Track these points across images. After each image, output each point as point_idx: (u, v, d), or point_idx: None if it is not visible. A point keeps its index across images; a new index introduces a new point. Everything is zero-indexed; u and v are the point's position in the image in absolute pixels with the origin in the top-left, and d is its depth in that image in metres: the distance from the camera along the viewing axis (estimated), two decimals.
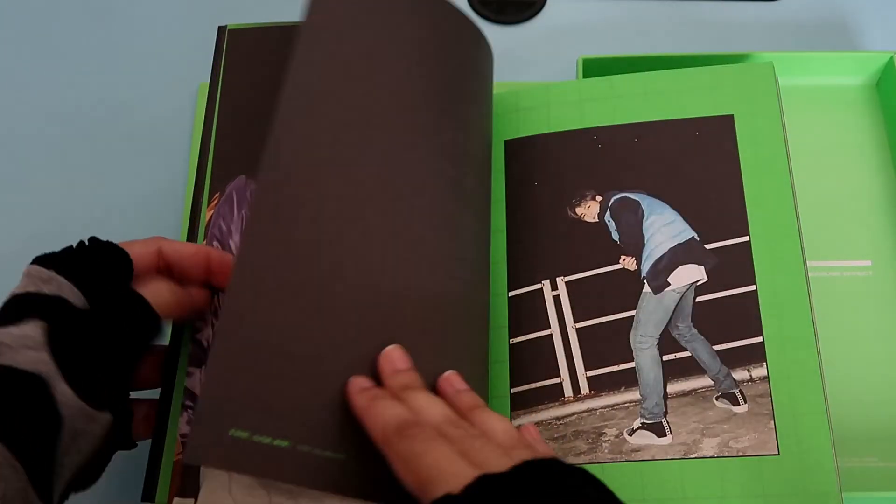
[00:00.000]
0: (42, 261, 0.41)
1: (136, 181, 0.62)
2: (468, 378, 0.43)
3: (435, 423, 0.37)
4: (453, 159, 0.48)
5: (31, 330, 0.39)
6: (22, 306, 0.40)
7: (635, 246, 0.50)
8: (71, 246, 0.43)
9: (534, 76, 0.65)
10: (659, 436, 0.46)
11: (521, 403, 0.48)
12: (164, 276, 0.45)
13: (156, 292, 0.43)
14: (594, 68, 0.59)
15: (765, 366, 0.47)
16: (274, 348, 0.40)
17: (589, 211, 0.51)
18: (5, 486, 0.35)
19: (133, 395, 0.44)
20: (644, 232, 0.50)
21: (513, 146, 0.54)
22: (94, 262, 0.42)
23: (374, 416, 0.37)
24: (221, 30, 0.52)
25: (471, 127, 0.50)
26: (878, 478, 0.52)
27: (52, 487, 0.38)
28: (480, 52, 0.53)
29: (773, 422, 0.46)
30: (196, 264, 0.45)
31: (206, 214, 0.48)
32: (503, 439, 0.36)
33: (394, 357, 0.41)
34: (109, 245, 0.43)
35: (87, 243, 0.43)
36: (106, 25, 0.68)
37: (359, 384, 0.39)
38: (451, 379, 0.42)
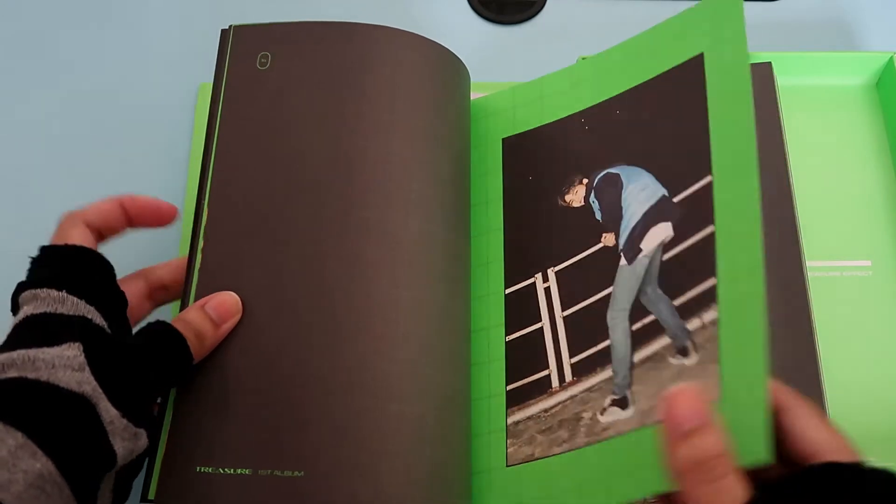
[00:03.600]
0: (36, 283, 0.41)
1: (136, 181, 0.62)
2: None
3: None
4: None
5: (69, 350, 0.38)
6: (50, 327, 0.39)
7: (615, 221, 0.48)
8: (40, 259, 0.42)
9: (534, 76, 0.64)
10: (623, 409, 0.44)
11: (515, 400, 0.48)
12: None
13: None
14: None
15: (715, 306, 0.42)
16: (229, 387, 0.43)
17: (577, 196, 0.50)
18: (47, 500, 0.35)
19: None
20: (623, 204, 0.48)
21: (509, 143, 0.54)
22: (92, 274, 0.42)
23: None
24: (225, 32, 0.52)
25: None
26: None
27: None
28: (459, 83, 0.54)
29: (717, 365, 0.41)
30: (114, 214, 0.47)
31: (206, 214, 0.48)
32: None
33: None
34: (81, 250, 0.43)
35: (42, 253, 0.43)
36: (106, 25, 0.68)
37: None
38: None
